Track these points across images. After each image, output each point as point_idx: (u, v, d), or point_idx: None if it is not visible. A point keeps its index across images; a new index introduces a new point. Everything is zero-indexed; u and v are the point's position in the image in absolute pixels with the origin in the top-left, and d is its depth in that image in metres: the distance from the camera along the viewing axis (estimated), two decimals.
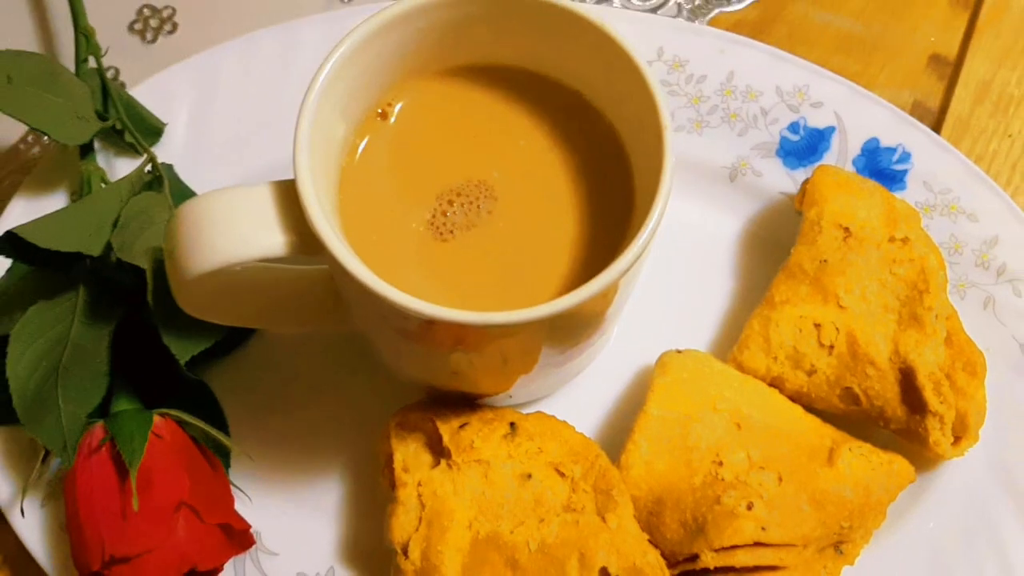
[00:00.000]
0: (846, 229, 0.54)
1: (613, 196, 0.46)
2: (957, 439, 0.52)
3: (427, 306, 0.39)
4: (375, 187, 0.45)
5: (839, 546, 0.51)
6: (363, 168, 0.46)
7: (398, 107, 0.47)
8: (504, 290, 0.44)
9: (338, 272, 0.41)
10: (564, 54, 0.46)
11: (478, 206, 0.45)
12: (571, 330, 0.45)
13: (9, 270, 0.52)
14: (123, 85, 0.63)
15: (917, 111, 0.65)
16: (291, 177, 0.41)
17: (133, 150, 0.56)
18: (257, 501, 0.52)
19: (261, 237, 0.41)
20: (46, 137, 0.62)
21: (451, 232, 0.45)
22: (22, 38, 0.64)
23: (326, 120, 0.43)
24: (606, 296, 0.42)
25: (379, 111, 0.47)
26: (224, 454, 0.52)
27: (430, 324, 0.40)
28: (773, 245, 0.58)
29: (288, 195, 0.41)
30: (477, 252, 0.45)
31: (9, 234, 0.45)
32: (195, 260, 0.41)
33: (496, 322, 0.39)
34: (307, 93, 0.41)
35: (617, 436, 0.53)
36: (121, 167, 0.56)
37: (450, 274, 0.44)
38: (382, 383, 0.55)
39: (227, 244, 0.40)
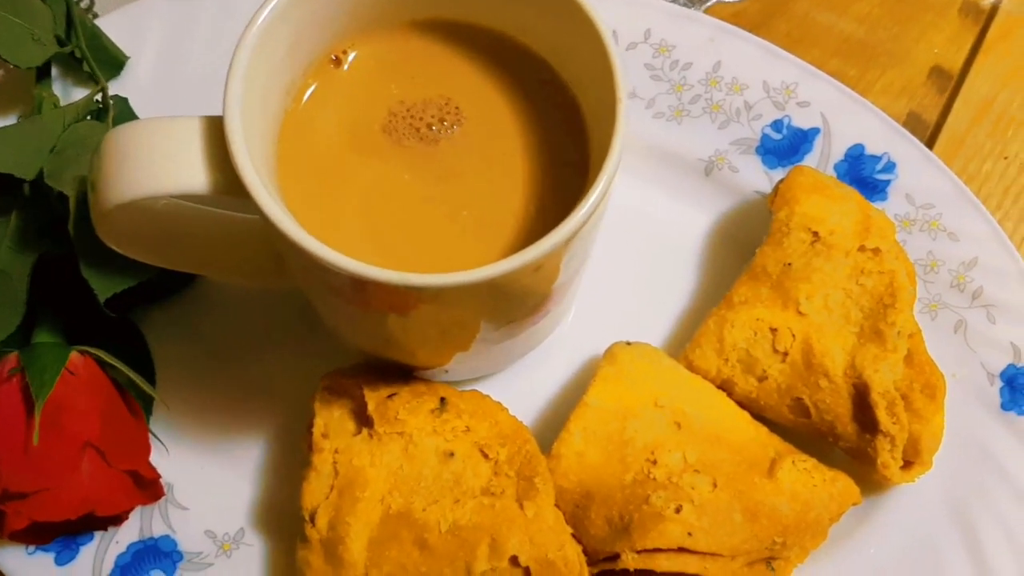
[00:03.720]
0: (815, 233, 0.52)
1: (567, 166, 0.44)
2: (908, 464, 0.50)
3: (349, 262, 0.37)
4: (318, 135, 0.43)
5: (771, 562, 0.49)
6: (308, 114, 0.44)
7: (352, 55, 0.45)
8: (442, 255, 0.42)
9: (260, 217, 0.39)
10: (527, 16, 0.43)
11: (426, 144, 0.43)
12: (509, 302, 0.43)
13: None
14: (95, 16, 0.61)
15: (911, 123, 0.62)
16: None
17: (92, 81, 0.54)
18: (175, 453, 0.50)
19: (183, 172, 0.39)
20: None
21: (393, 179, 0.43)
22: None
23: (268, 60, 0.41)
24: (542, 268, 0.40)
25: (332, 57, 0.45)
26: (147, 400, 0.50)
27: (357, 283, 0.38)
28: (743, 245, 0.56)
29: (216, 130, 0.39)
30: (416, 211, 0.43)
31: None
32: (114, 190, 0.39)
33: (420, 284, 0.37)
34: (248, 27, 0.39)
35: (555, 425, 0.51)
36: (78, 98, 0.54)
37: (389, 234, 0.42)
38: (321, 346, 0.53)
39: (147, 176, 0.39)
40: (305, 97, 0.44)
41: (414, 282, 0.37)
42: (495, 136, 0.44)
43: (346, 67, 0.45)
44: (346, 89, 0.44)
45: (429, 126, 0.44)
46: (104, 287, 0.45)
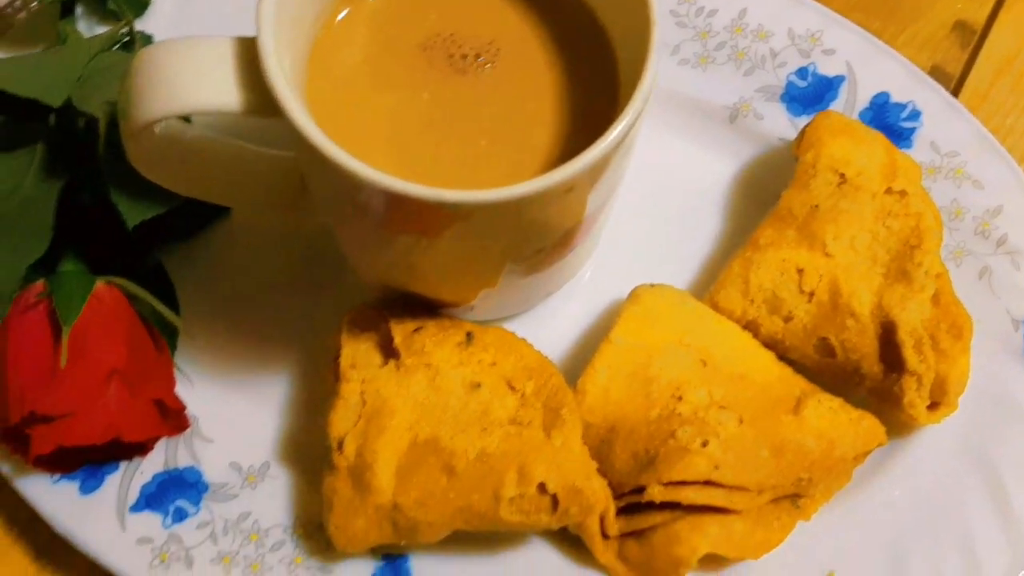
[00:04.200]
0: (841, 175, 0.51)
1: (596, 97, 0.43)
2: (934, 404, 0.50)
3: (385, 177, 0.37)
4: (348, 60, 0.43)
5: (796, 499, 0.49)
6: (338, 40, 0.44)
7: None
8: (471, 178, 0.42)
9: (293, 136, 0.39)
10: None
11: (459, 74, 0.43)
12: (539, 228, 0.43)
13: None
14: None
15: (935, 76, 0.62)
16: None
17: (116, 20, 0.54)
18: (200, 386, 0.50)
19: (215, 89, 0.39)
20: (34, 3, 0.60)
21: (421, 103, 0.42)
22: None
23: None
24: (574, 190, 0.40)
25: None
26: (171, 334, 0.50)
27: (388, 201, 0.38)
28: (767, 191, 0.56)
29: (249, 50, 0.39)
30: (447, 132, 0.42)
31: None
32: (145, 106, 0.39)
33: (454, 200, 0.37)
34: None
35: (578, 366, 0.51)
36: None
37: (417, 157, 0.42)
38: (343, 282, 0.53)
39: (179, 92, 0.38)
40: (337, 20, 0.44)
41: (448, 198, 0.37)
42: (527, 64, 0.44)
43: None
44: (377, 16, 0.44)
45: (462, 55, 0.44)
46: (132, 214, 0.45)
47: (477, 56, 0.43)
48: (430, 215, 0.39)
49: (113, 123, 0.43)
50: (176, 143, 0.42)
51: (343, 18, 0.44)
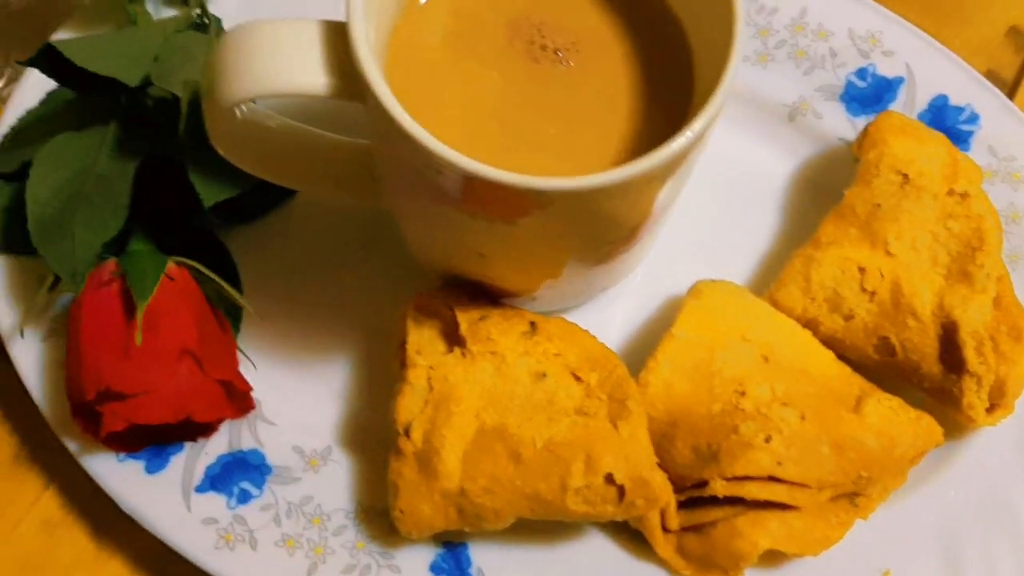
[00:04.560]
0: (904, 175, 0.52)
1: (672, 82, 0.44)
2: (992, 407, 0.50)
3: (467, 160, 0.37)
4: (428, 44, 0.44)
5: (854, 498, 0.49)
6: (418, 24, 0.44)
7: None
8: (547, 161, 0.42)
9: (378, 121, 0.39)
10: None
11: (537, 64, 0.43)
12: (607, 220, 0.43)
13: (43, 101, 0.51)
14: None
15: (990, 79, 0.62)
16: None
17: (183, 4, 0.54)
18: (262, 369, 0.50)
19: (304, 71, 0.39)
20: None
21: (500, 89, 0.43)
22: None
23: None
24: (647, 184, 0.40)
25: None
26: (235, 317, 0.50)
27: (466, 184, 0.38)
28: (825, 190, 0.56)
29: (337, 34, 0.39)
30: (525, 119, 0.43)
31: (48, 47, 0.44)
32: (233, 86, 0.39)
33: (537, 187, 0.37)
34: None
35: (638, 358, 0.51)
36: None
37: (494, 143, 0.42)
38: (403, 267, 0.53)
39: (268, 74, 0.39)
40: (418, 5, 0.44)
41: (536, 185, 0.37)
42: (605, 59, 0.44)
43: None
44: (459, 3, 0.44)
45: (542, 46, 0.44)
46: (209, 193, 0.45)
47: (556, 51, 0.43)
48: (512, 202, 0.39)
49: (194, 103, 0.44)
50: (258, 125, 0.42)
51: (424, 3, 0.44)
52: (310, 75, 0.39)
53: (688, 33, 0.44)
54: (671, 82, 0.43)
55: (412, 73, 0.43)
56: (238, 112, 0.41)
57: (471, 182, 0.38)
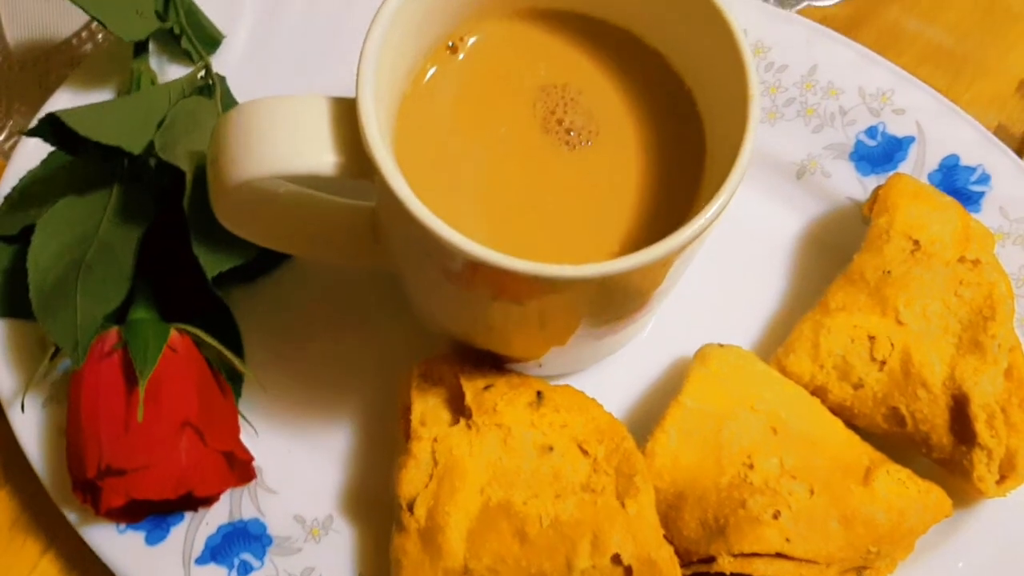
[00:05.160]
0: (915, 242, 0.51)
1: (683, 163, 0.43)
2: (1002, 478, 0.50)
3: (479, 248, 0.36)
4: (436, 119, 0.43)
5: (862, 572, 0.48)
6: (425, 99, 0.43)
7: (470, 41, 0.44)
8: (556, 243, 0.42)
9: (386, 202, 0.38)
10: (651, 10, 0.43)
11: (545, 136, 0.43)
12: (618, 298, 0.43)
13: (45, 161, 0.50)
14: None
15: (1000, 135, 0.62)
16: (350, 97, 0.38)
17: (187, 58, 0.54)
18: (263, 435, 0.50)
19: (312, 152, 0.38)
20: (100, 35, 0.60)
21: (509, 167, 0.42)
22: None
23: (394, 45, 0.40)
24: (662, 267, 0.40)
25: (449, 44, 0.44)
26: (236, 381, 0.50)
27: (475, 267, 0.38)
28: (833, 250, 0.55)
29: (345, 113, 0.39)
30: (532, 198, 0.42)
31: (51, 117, 0.43)
32: (240, 166, 0.38)
33: (547, 275, 0.37)
34: (379, 11, 0.39)
35: (643, 424, 0.51)
36: (173, 74, 0.54)
37: (502, 215, 0.42)
38: (408, 329, 0.52)
39: (276, 154, 0.38)
40: (424, 80, 0.44)
41: (545, 272, 0.37)
42: (614, 133, 0.43)
43: (462, 55, 0.44)
44: (464, 75, 0.44)
45: (547, 118, 0.43)
46: (212, 264, 0.44)
47: (568, 130, 0.43)
48: (520, 286, 0.39)
49: (199, 175, 0.43)
50: (263, 195, 0.42)
51: (431, 76, 0.44)
52: (318, 156, 0.38)
53: (703, 116, 0.44)
54: (684, 163, 0.43)
55: (421, 148, 0.42)
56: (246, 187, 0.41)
57: (480, 267, 0.37)
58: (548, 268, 0.37)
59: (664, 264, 0.39)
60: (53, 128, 0.44)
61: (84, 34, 0.60)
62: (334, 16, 0.57)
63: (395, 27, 0.39)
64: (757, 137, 0.39)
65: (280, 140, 0.38)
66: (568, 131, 0.43)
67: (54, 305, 0.44)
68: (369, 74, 0.38)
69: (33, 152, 0.51)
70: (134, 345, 0.44)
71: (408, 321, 0.52)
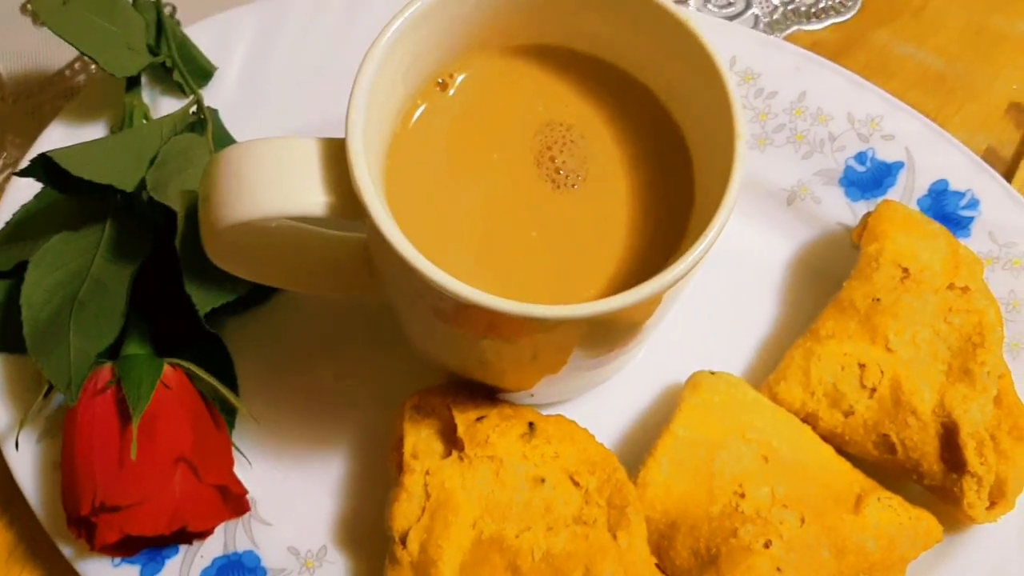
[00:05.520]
0: (905, 270, 0.51)
1: (671, 200, 0.44)
2: (992, 504, 0.50)
3: (468, 290, 0.37)
4: (426, 157, 0.43)
5: None
6: (416, 136, 0.44)
7: (460, 79, 0.45)
8: (545, 282, 0.42)
9: (377, 242, 0.39)
10: (640, 47, 0.43)
11: (532, 186, 0.43)
12: (609, 334, 0.43)
13: (38, 195, 0.51)
14: (178, 23, 0.61)
15: (989, 157, 0.62)
16: (340, 135, 0.39)
17: (179, 90, 0.54)
18: (257, 467, 0.50)
19: (302, 194, 0.39)
20: (93, 67, 0.61)
21: (498, 207, 0.42)
22: None
23: (384, 83, 0.41)
24: (652, 303, 0.40)
25: (439, 81, 0.45)
26: (230, 413, 0.50)
27: (466, 308, 0.38)
28: (823, 276, 0.56)
29: (335, 154, 0.39)
30: (522, 236, 0.43)
31: (43, 157, 0.44)
32: (230, 209, 0.39)
33: (537, 315, 0.37)
34: (369, 51, 0.39)
35: (635, 451, 0.51)
36: (165, 107, 0.55)
37: (491, 255, 0.42)
38: (401, 359, 0.53)
39: (266, 197, 0.38)
40: (414, 118, 0.44)
41: (537, 314, 0.37)
42: (604, 171, 0.44)
43: (452, 91, 0.45)
44: (454, 113, 0.44)
45: (538, 157, 0.44)
46: (204, 301, 0.45)
47: (549, 151, 0.43)
48: (511, 325, 0.39)
49: (191, 214, 0.43)
50: (256, 237, 0.42)
51: (422, 113, 0.44)
52: (308, 197, 0.39)
53: (692, 153, 0.44)
54: (674, 199, 0.43)
55: (411, 186, 0.43)
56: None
57: (470, 308, 0.38)
58: (537, 309, 0.37)
59: (653, 301, 0.39)
60: (45, 167, 0.44)
61: (77, 65, 0.60)
62: (326, 46, 0.57)
63: (385, 66, 0.40)
64: (745, 172, 0.40)
65: (270, 182, 0.39)
66: (558, 170, 0.43)
67: (48, 343, 0.45)
68: (358, 116, 0.39)
69: (26, 186, 0.51)
70: (128, 382, 0.45)
71: (402, 350, 0.52)
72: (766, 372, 0.53)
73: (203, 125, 0.51)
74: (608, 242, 0.42)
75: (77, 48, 0.49)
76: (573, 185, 0.43)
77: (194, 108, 0.52)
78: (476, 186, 0.43)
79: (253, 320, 0.53)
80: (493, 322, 0.39)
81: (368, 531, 0.49)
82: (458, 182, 0.43)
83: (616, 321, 0.41)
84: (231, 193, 0.39)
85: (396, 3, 0.40)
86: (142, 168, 0.46)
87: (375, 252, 0.42)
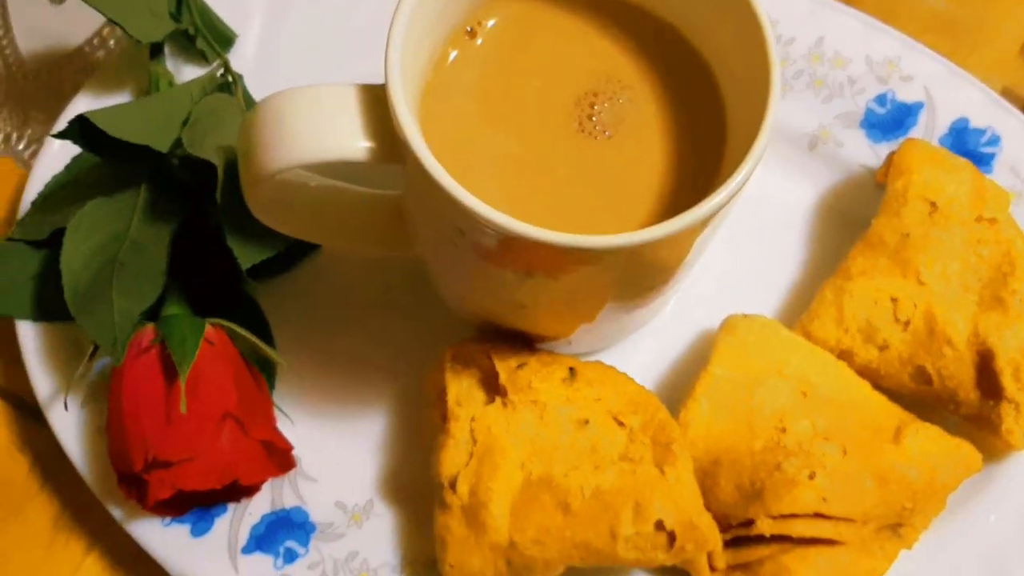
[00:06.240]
0: (932, 204, 0.52)
1: (704, 145, 0.44)
2: None
3: (516, 222, 0.37)
4: (458, 105, 0.44)
5: (897, 529, 0.49)
6: (447, 84, 0.44)
7: (489, 24, 0.45)
8: (583, 219, 0.42)
9: (420, 183, 0.39)
10: None
11: (565, 131, 0.43)
12: (647, 272, 0.43)
13: (68, 166, 0.51)
14: None
15: (1006, 97, 0.62)
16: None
17: (202, 58, 0.54)
18: (300, 424, 0.50)
19: (343, 139, 0.39)
20: (112, 41, 0.61)
21: (532, 150, 0.43)
22: None
23: (416, 31, 0.41)
24: (687, 239, 0.41)
25: (468, 29, 0.45)
26: (269, 373, 0.50)
27: (510, 242, 0.38)
28: (849, 218, 0.56)
29: (373, 99, 0.39)
30: (557, 176, 0.43)
31: (80, 118, 0.44)
32: (272, 156, 0.39)
33: (582, 245, 0.37)
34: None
35: (674, 396, 0.51)
36: (188, 75, 0.55)
37: (528, 196, 0.42)
38: (436, 315, 0.53)
39: (307, 143, 0.39)
40: (447, 64, 0.44)
41: (584, 243, 0.37)
42: (637, 115, 0.44)
43: (480, 40, 0.45)
44: (484, 60, 0.44)
45: (568, 103, 0.44)
46: (246, 256, 0.45)
47: (591, 116, 0.43)
48: (557, 260, 0.39)
49: (230, 168, 0.44)
50: (295, 187, 0.42)
51: (453, 60, 0.44)
52: (349, 142, 0.39)
53: (724, 93, 0.44)
54: (706, 141, 0.44)
55: (444, 135, 0.43)
56: (278, 178, 0.41)
57: (517, 242, 0.38)
58: (582, 239, 0.37)
59: (692, 233, 0.40)
60: (81, 129, 0.44)
61: (96, 41, 0.60)
62: (342, 10, 0.57)
63: (418, 13, 0.40)
64: (777, 116, 0.40)
65: (311, 128, 0.39)
66: (590, 117, 0.43)
67: (90, 305, 0.45)
68: (396, 60, 0.39)
69: (56, 158, 0.51)
70: (172, 340, 0.45)
71: (436, 306, 0.53)
72: (798, 314, 0.54)
73: (231, 88, 0.51)
74: (643, 183, 0.43)
75: (103, 13, 0.49)
76: (606, 132, 0.44)
77: (221, 71, 0.52)
78: (508, 132, 0.43)
79: (285, 284, 0.53)
80: (536, 257, 0.39)
81: (413, 484, 0.50)
82: (491, 130, 0.43)
83: (655, 257, 0.41)
84: (272, 141, 0.39)
85: None
86: (175, 129, 0.46)
87: (415, 197, 0.42)
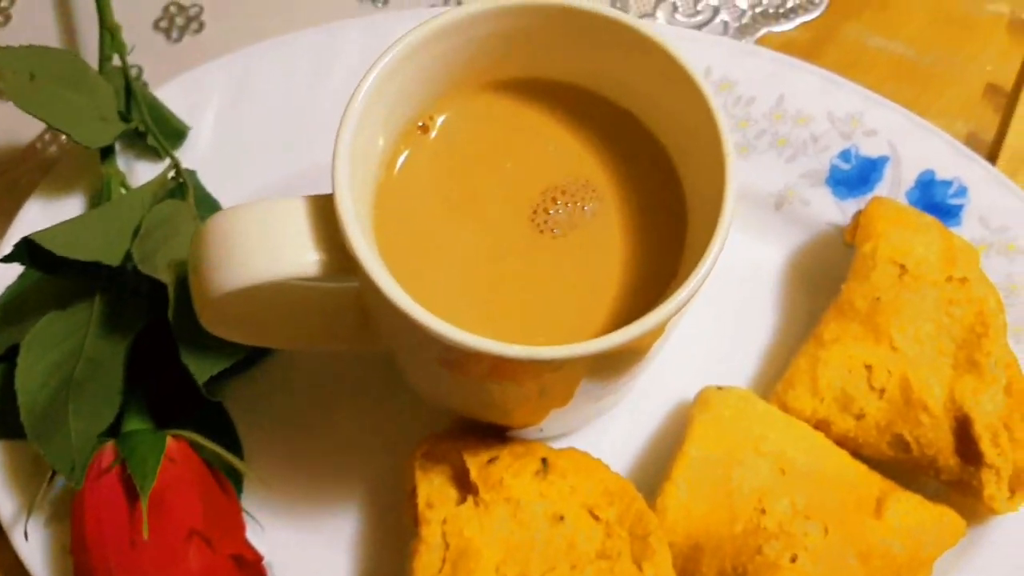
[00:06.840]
0: (902, 266, 0.51)
1: (665, 225, 0.43)
2: (1012, 493, 0.50)
3: (472, 338, 0.36)
4: (413, 204, 0.43)
5: None
6: (401, 184, 0.43)
7: (440, 120, 0.44)
8: (545, 321, 0.41)
9: (374, 297, 0.38)
10: (618, 72, 0.43)
11: (521, 225, 0.42)
12: (614, 366, 0.42)
13: (22, 275, 0.50)
14: (146, 85, 0.60)
15: (971, 143, 0.62)
16: (324, 191, 0.38)
17: (155, 153, 0.53)
18: (270, 530, 0.49)
19: (294, 255, 0.38)
20: (64, 136, 0.60)
21: (490, 250, 0.42)
22: (46, 33, 0.62)
23: (366, 134, 0.40)
24: (656, 332, 0.40)
25: (420, 124, 0.44)
26: (237, 479, 0.49)
27: (471, 355, 0.37)
28: (819, 278, 0.55)
29: (324, 211, 0.38)
30: (516, 277, 0.42)
31: (26, 240, 0.43)
32: (222, 277, 0.38)
33: (543, 357, 0.36)
34: (349, 105, 0.39)
35: (651, 475, 0.51)
36: (142, 170, 0.54)
37: (487, 299, 0.41)
38: (407, 405, 0.52)
39: (258, 262, 0.38)
40: (397, 167, 0.43)
41: (544, 355, 0.36)
42: (591, 200, 0.43)
43: (434, 134, 0.44)
44: (437, 156, 0.44)
45: (523, 197, 0.43)
46: (202, 370, 0.44)
47: (547, 210, 0.43)
48: (519, 369, 0.38)
49: (181, 284, 0.43)
50: (250, 300, 0.41)
51: (407, 158, 0.44)
52: (300, 258, 0.38)
53: (681, 175, 0.43)
54: (667, 227, 0.43)
55: (400, 236, 0.42)
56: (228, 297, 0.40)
57: (476, 355, 0.37)
58: (542, 351, 0.36)
59: (657, 330, 0.39)
60: (29, 251, 0.43)
61: (47, 136, 0.59)
62: (299, 96, 0.56)
63: (364, 118, 0.39)
64: (737, 192, 0.39)
65: (259, 247, 0.38)
66: (548, 214, 0.43)
67: (47, 428, 0.44)
68: (344, 170, 0.38)
69: (10, 267, 0.50)
70: (132, 460, 0.44)
71: (407, 396, 0.52)
72: (772, 381, 0.53)
73: (183, 189, 0.50)
74: (606, 280, 0.42)
75: (48, 124, 0.48)
76: (565, 230, 0.43)
77: (172, 172, 0.51)
78: (465, 231, 0.42)
79: (251, 380, 0.52)
80: (498, 366, 0.39)
81: None
82: (447, 228, 0.43)
83: (621, 353, 0.40)
84: (221, 262, 0.38)
85: (366, 49, 0.40)
86: (126, 240, 0.46)
87: (373, 306, 0.41)
